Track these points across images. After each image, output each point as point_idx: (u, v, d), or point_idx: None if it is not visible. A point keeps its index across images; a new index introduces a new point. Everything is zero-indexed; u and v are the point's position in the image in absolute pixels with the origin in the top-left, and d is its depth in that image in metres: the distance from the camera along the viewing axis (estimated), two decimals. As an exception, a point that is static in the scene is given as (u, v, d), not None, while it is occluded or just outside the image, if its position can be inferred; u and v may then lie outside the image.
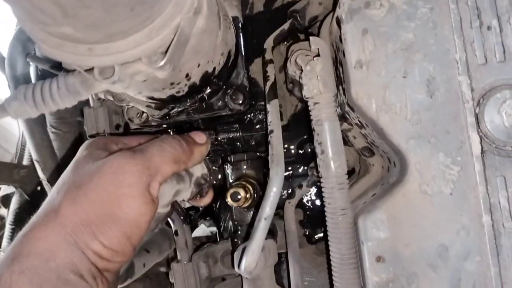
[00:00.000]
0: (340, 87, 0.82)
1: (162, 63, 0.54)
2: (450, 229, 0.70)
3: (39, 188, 1.54)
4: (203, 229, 1.32)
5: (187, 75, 0.70)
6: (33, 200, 1.52)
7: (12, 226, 1.48)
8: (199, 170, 0.77)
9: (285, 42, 1.00)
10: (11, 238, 1.47)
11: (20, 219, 1.50)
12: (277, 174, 0.74)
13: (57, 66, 0.65)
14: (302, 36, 0.99)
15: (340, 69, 0.81)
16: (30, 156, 1.57)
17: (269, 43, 0.93)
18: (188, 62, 0.66)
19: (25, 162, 1.57)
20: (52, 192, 0.65)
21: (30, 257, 0.57)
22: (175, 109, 0.87)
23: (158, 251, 0.98)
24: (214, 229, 1.20)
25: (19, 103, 0.55)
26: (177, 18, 0.53)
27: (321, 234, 1.01)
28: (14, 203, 1.51)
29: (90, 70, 0.54)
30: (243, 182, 0.86)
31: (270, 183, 0.73)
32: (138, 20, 0.51)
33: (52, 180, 1.18)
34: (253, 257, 0.72)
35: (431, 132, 0.71)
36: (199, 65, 0.71)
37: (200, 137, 0.76)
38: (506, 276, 0.69)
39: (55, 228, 0.60)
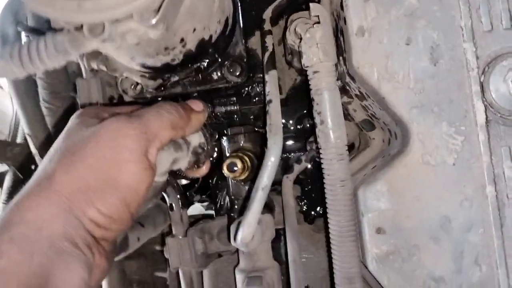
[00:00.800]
0: (341, 58, 0.79)
1: (154, 21, 0.52)
2: (453, 201, 0.68)
3: (33, 167, 1.52)
4: (199, 209, 1.30)
5: (182, 40, 0.67)
6: (26, 178, 1.50)
7: (5, 204, 1.46)
8: (197, 139, 0.74)
9: (284, 15, 0.98)
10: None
11: (13, 198, 1.48)
12: (275, 143, 0.72)
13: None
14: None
15: (341, 38, 0.78)
16: (24, 135, 1.54)
17: (268, 13, 0.90)
18: (182, 25, 0.64)
19: (19, 140, 1.54)
20: (44, 161, 0.62)
21: (20, 225, 0.54)
22: (170, 80, 0.84)
23: (153, 226, 0.96)
24: (211, 212, 1.18)
25: (5, 62, 0.52)
26: (171, -26, 0.51)
27: (317, 211, 0.99)
28: (7, 181, 1.49)
29: (79, 28, 0.51)
30: (240, 154, 0.84)
31: (268, 152, 0.71)
32: (129, -27, 0.48)
33: (45, 155, 1.15)
34: (250, 228, 0.70)
35: (435, 101, 0.69)
36: (194, 29, 0.68)
37: (197, 104, 0.73)
38: (509, 247, 0.67)
39: (49, 196, 0.57)
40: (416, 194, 0.69)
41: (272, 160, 0.70)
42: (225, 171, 0.82)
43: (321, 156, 0.74)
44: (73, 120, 0.67)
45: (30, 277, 0.51)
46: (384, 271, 0.70)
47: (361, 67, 0.72)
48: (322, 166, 0.74)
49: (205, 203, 1.22)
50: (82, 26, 0.51)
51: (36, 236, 0.54)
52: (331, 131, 0.73)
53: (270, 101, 0.78)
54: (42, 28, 0.96)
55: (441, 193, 0.68)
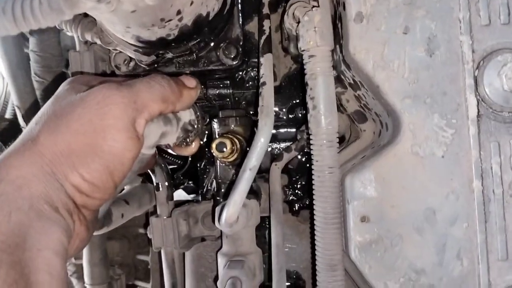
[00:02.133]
0: (337, 46, 0.79)
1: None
2: (439, 193, 0.68)
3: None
4: (183, 196, 1.29)
5: (178, 12, 0.67)
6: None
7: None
8: (187, 116, 0.73)
9: (283, 3, 0.97)
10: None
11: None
12: (266, 124, 0.71)
13: None
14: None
15: (339, 25, 0.78)
16: (13, 110, 1.53)
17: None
18: (181, -4, 0.63)
19: (8, 116, 1.52)
20: (30, 124, 0.61)
21: (1, 184, 0.53)
22: (164, 57, 0.83)
23: (137, 204, 0.95)
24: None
25: (-2, 18, 0.51)
26: None
27: (304, 202, 0.99)
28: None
29: (74, -16, 0.50)
30: (231, 136, 0.83)
31: (258, 133, 0.70)
32: None
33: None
34: (235, 207, 0.69)
35: (428, 92, 0.69)
36: (192, 2, 0.67)
37: (190, 81, 0.72)
38: (491, 244, 0.67)
39: (32, 156, 0.56)
40: (403, 184, 0.69)
41: (261, 141, 0.69)
42: (214, 150, 0.81)
43: (311, 141, 0.73)
44: (63, 86, 0.66)
45: (8, 235, 0.49)
46: (366, 260, 0.69)
47: (357, 53, 0.71)
48: (312, 151, 0.74)
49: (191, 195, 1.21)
50: (77, -17, 0.50)
51: (15, 194, 0.53)
52: (323, 117, 0.72)
53: (263, 83, 0.77)
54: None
55: (427, 184, 0.68)
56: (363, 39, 0.71)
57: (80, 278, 1.21)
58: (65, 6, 0.52)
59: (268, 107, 0.73)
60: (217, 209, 0.78)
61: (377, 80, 0.70)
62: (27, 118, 1.15)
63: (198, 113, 0.75)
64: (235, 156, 0.83)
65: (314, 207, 0.73)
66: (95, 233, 0.71)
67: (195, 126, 0.74)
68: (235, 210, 0.69)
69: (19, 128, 1.27)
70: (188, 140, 0.74)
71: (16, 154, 0.56)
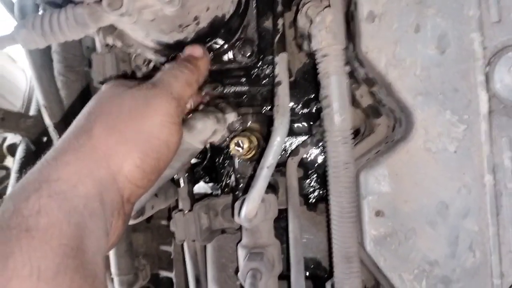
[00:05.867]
0: (350, 43, 0.81)
1: (174, 3, 0.54)
2: (452, 187, 0.70)
3: (45, 139, 1.55)
4: (204, 188, 1.33)
5: (195, 18, 0.69)
6: (38, 150, 1.53)
7: (17, 175, 1.49)
8: (232, 116, 0.78)
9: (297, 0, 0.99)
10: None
11: (24, 169, 1.51)
12: (282, 123, 0.74)
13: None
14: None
15: (351, 23, 0.79)
16: (36, 107, 1.58)
17: (280, -3, 0.91)
18: (197, 3, 0.65)
19: (32, 113, 1.57)
20: (78, 121, 0.62)
21: (59, 182, 0.53)
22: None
23: (164, 197, 0.98)
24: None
25: (28, 32, 0.54)
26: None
27: (320, 194, 1.01)
28: (19, 152, 1.52)
29: (98, 1, 0.53)
30: (248, 133, 0.86)
31: (275, 132, 0.73)
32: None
33: (59, 127, 1.18)
34: (254, 204, 0.72)
35: (440, 89, 0.70)
36: (208, 8, 0.70)
37: (196, 50, 0.74)
38: (504, 236, 0.69)
39: (87, 153, 0.57)
40: (416, 179, 0.71)
41: (278, 140, 0.72)
42: (232, 149, 0.84)
43: (326, 138, 0.76)
44: (104, 87, 0.68)
45: (70, 237, 0.50)
46: (381, 253, 0.72)
47: (370, 52, 0.73)
48: (326, 148, 0.76)
49: (211, 184, 1.25)
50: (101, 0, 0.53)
51: (73, 193, 0.53)
52: (337, 115, 0.74)
53: (279, 82, 0.80)
54: (59, 1, 0.98)
55: (440, 179, 0.70)
56: (375, 38, 0.72)
57: (106, 268, 1.27)
58: (89, 20, 0.55)
59: (283, 106, 0.76)
60: (237, 204, 0.81)
61: (389, 78, 0.72)
62: (53, 116, 1.20)
63: (240, 115, 0.79)
64: (253, 153, 0.86)
65: (330, 201, 0.76)
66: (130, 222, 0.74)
67: (237, 127, 0.78)
68: (254, 207, 0.72)
69: (44, 125, 1.32)
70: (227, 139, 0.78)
71: (71, 149, 0.57)
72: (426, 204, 0.71)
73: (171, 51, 0.83)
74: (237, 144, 0.83)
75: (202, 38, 0.79)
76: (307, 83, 1.02)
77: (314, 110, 1.01)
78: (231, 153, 0.85)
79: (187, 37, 0.76)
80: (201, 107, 0.82)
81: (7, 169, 2.19)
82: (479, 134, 0.69)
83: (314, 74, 1.01)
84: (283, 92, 0.78)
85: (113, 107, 0.61)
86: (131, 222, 0.85)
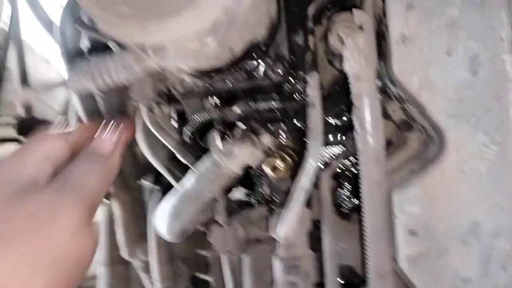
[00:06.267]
0: (382, 61, 0.82)
1: (210, 41, 0.57)
2: (484, 207, 0.71)
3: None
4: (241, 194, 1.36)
5: (231, 49, 0.72)
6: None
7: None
8: (268, 139, 0.81)
9: (328, 12, 1.00)
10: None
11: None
12: (315, 147, 0.76)
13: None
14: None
15: (383, 42, 0.81)
16: (76, 116, 1.64)
17: (311, 11, 0.93)
18: (233, 38, 0.68)
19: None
20: None
21: None
22: (217, 79, 0.89)
23: (202, 212, 1.02)
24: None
25: (79, 78, 0.58)
26: (225, -2, 0.55)
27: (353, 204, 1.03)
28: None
29: (143, 47, 0.57)
30: (282, 153, 0.89)
31: (308, 156, 0.76)
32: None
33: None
34: (290, 226, 0.76)
35: (472, 110, 0.72)
36: (243, 39, 0.73)
37: (107, 143, 0.64)
38: (537, 254, 0.70)
39: None
40: (448, 200, 0.73)
41: (312, 165, 0.75)
42: (267, 170, 0.87)
43: (359, 158, 0.78)
44: None
45: None
46: (415, 271, 0.74)
47: (401, 74, 0.75)
48: (360, 167, 0.78)
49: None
50: (145, 45, 0.57)
51: None
52: (370, 136, 0.76)
53: (311, 105, 0.82)
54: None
55: (472, 199, 0.72)
56: (407, 61, 0.74)
57: (147, 272, 1.33)
58: (135, 65, 0.59)
59: (316, 130, 0.78)
60: (273, 220, 0.85)
61: (421, 100, 0.74)
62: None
63: (273, 136, 0.83)
64: (287, 171, 0.89)
65: (363, 220, 0.79)
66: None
67: (272, 148, 0.81)
68: (290, 229, 0.76)
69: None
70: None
71: None
72: (458, 224, 0.73)
73: (207, 75, 0.86)
74: (272, 166, 0.86)
75: (236, 62, 0.82)
76: (339, 94, 1.03)
77: (346, 121, 1.03)
78: (266, 174, 0.88)
79: (222, 64, 0.79)
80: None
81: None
82: (511, 155, 0.70)
83: (346, 85, 1.03)
84: (315, 115, 0.80)
85: (6, 220, 0.50)
86: (176, 241, 0.90)
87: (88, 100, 1.22)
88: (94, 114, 1.21)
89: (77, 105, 1.24)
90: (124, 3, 0.50)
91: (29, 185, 0.54)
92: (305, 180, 0.75)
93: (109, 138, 0.65)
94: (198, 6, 0.53)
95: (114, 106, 1.22)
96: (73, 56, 1.16)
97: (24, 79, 1.64)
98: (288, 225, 0.76)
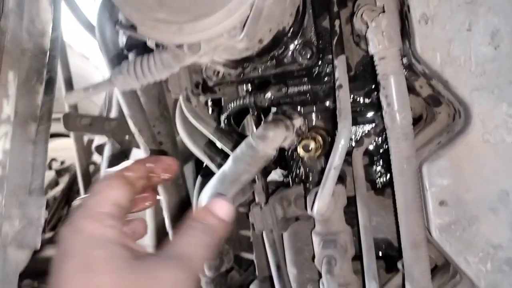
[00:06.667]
0: (406, 41, 0.85)
1: (241, 36, 0.62)
2: (511, 176, 0.74)
3: (127, 137, 1.71)
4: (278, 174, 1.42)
5: (260, 40, 0.77)
6: (123, 147, 1.70)
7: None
8: (299, 121, 0.87)
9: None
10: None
11: (113, 165, 1.69)
12: (345, 127, 0.81)
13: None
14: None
15: (405, 22, 0.83)
16: (118, 109, 1.73)
17: (335, -5, 0.96)
18: (261, 29, 0.73)
19: (113, 115, 1.74)
20: None
21: None
22: (249, 67, 0.95)
23: (242, 193, 1.08)
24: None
25: (124, 77, 0.65)
26: (252, -4, 0.60)
27: (386, 179, 1.07)
28: (107, 151, 1.70)
29: (180, 46, 0.63)
30: (313, 133, 0.94)
31: (339, 136, 0.80)
32: (219, 1, 0.58)
33: (142, 131, 1.32)
34: (324, 202, 0.81)
35: (495, 83, 0.74)
36: (271, 29, 0.77)
37: (222, 207, 0.63)
38: None
39: None
40: (476, 170, 0.76)
41: (342, 143, 0.79)
42: (300, 151, 0.92)
43: (388, 135, 0.82)
44: (104, 255, 0.54)
45: None
46: (447, 239, 0.78)
47: (425, 52, 0.77)
48: (389, 144, 0.82)
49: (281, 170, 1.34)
50: (182, 44, 0.62)
51: None
52: (397, 113, 0.80)
53: (339, 86, 0.86)
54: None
55: (500, 169, 0.74)
56: (429, 39, 0.77)
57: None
58: (174, 62, 0.64)
59: (345, 109, 0.83)
60: (308, 199, 0.90)
61: (445, 76, 0.77)
62: (137, 123, 1.33)
63: (305, 119, 0.88)
64: (320, 151, 0.94)
65: (395, 193, 0.83)
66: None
67: (304, 129, 0.86)
68: (325, 204, 0.81)
69: (126, 125, 1.45)
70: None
71: None
72: (487, 192, 0.76)
73: (239, 64, 0.91)
74: (305, 147, 0.91)
75: (266, 50, 0.87)
76: (367, 74, 1.07)
77: (375, 100, 1.06)
78: (300, 155, 0.93)
79: (252, 53, 0.84)
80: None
81: (95, 164, 2.41)
82: (536, 123, 0.73)
83: (373, 65, 1.06)
84: (344, 96, 0.84)
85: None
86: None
87: (130, 95, 1.31)
88: (136, 107, 1.29)
89: (121, 101, 1.32)
90: (162, 9, 0.55)
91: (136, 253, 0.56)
92: (336, 157, 0.79)
93: (221, 212, 0.63)
94: (228, 6, 0.59)
95: (153, 99, 1.30)
96: (113, 53, 1.24)
97: (70, 85, 1.74)
98: (322, 203, 0.81)
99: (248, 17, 0.62)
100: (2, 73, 0.77)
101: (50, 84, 0.93)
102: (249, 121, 1.28)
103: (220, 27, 0.60)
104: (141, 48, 0.86)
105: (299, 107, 1.03)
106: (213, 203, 0.64)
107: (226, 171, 0.91)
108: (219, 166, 1.09)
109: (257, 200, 1.05)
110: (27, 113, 0.84)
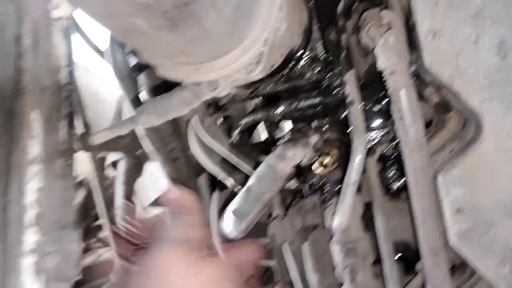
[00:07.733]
0: (414, 51, 0.87)
1: (257, 71, 0.64)
2: (525, 182, 0.76)
3: (139, 151, 1.74)
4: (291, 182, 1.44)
5: (272, 65, 0.79)
6: (138, 160, 1.73)
7: (125, 186, 1.70)
8: (315, 138, 0.89)
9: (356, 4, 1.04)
10: (125, 196, 1.71)
11: (130, 178, 1.72)
12: (360, 144, 0.83)
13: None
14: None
15: (412, 34, 0.85)
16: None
17: (340, 9, 0.98)
18: (274, 56, 0.75)
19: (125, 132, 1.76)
20: None
21: None
22: (260, 87, 0.97)
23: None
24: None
25: (147, 116, 0.67)
26: (265, 33, 0.62)
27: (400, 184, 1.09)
28: (122, 166, 1.73)
29: (199, 84, 0.65)
30: (328, 148, 0.96)
31: (354, 153, 0.83)
32: (235, 41, 0.60)
33: (159, 149, 1.34)
34: (344, 217, 0.83)
35: (503, 93, 0.76)
36: (282, 54, 0.79)
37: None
38: None
39: None
40: (490, 177, 0.78)
41: (358, 160, 0.82)
42: (317, 169, 0.94)
43: (402, 148, 0.84)
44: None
45: None
46: (465, 245, 0.80)
47: (434, 66, 0.80)
48: (403, 156, 0.84)
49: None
50: (201, 82, 0.65)
51: None
52: (410, 126, 0.82)
53: (351, 102, 0.88)
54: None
55: (513, 175, 0.77)
56: (437, 53, 0.79)
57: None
58: (193, 99, 0.67)
59: (359, 126, 0.85)
60: (327, 212, 0.92)
61: (455, 88, 0.79)
62: (153, 142, 1.35)
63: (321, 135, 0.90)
64: (335, 165, 0.96)
65: (412, 203, 0.85)
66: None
67: (320, 145, 0.89)
68: (344, 220, 0.83)
69: (138, 143, 1.48)
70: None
71: None
72: (502, 199, 0.78)
73: (250, 85, 0.94)
74: (321, 164, 0.94)
75: (276, 71, 0.89)
76: (376, 82, 1.08)
77: (385, 107, 1.08)
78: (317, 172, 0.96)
79: (264, 75, 0.86)
80: None
81: (107, 178, 2.44)
82: (547, 130, 0.75)
83: (380, 73, 1.08)
84: (356, 112, 0.86)
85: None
86: (240, 236, 0.99)
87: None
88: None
89: (145, 140, 1.35)
90: (182, 53, 0.58)
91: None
92: (353, 173, 0.82)
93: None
94: (244, 44, 0.61)
95: (168, 122, 1.32)
96: (125, 75, 1.26)
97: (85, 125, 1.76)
98: (342, 218, 0.84)
99: (263, 51, 0.64)
100: (26, 114, 0.80)
101: (70, 118, 0.96)
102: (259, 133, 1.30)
103: (237, 64, 0.62)
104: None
105: (311, 120, 1.06)
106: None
107: (249, 190, 0.93)
108: (236, 182, 1.11)
109: (275, 213, 1.08)
110: (53, 149, 0.87)
